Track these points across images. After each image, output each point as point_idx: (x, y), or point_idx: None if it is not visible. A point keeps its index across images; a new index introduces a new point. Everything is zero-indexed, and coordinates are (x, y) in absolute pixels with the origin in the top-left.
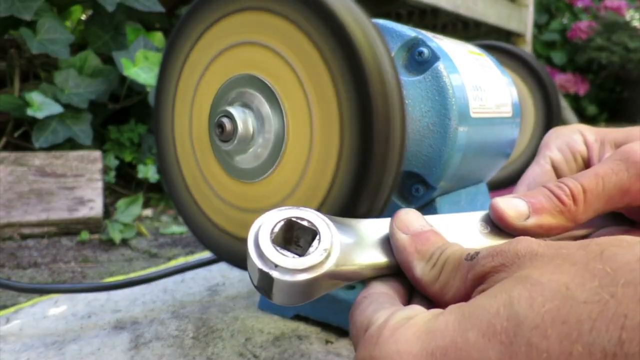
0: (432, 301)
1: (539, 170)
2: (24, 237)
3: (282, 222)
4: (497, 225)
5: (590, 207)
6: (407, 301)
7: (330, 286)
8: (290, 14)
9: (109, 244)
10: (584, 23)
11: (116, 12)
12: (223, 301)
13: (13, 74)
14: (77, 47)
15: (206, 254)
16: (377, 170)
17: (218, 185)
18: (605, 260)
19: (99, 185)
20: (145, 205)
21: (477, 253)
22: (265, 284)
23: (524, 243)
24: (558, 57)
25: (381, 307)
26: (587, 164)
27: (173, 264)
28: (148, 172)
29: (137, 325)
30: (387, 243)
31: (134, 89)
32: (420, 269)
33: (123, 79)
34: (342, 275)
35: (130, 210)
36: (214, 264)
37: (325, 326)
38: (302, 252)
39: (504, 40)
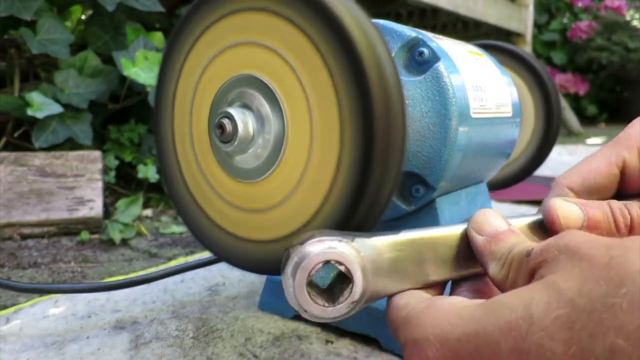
0: (474, 292)
1: (604, 169)
2: (24, 237)
3: (320, 265)
4: (547, 229)
5: None
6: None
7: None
8: (290, 14)
9: (109, 244)
10: (584, 23)
11: (116, 12)
12: (223, 301)
13: (13, 74)
14: (77, 47)
15: (206, 254)
16: (378, 170)
17: (218, 185)
18: (613, 267)
19: (99, 185)
20: (145, 205)
21: (532, 249)
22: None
23: (567, 238)
24: (558, 57)
25: (414, 298)
26: None
27: (173, 264)
28: (148, 172)
29: (137, 325)
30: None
31: (134, 89)
32: (492, 269)
33: (123, 79)
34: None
35: (130, 210)
36: (214, 264)
37: (325, 326)
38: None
39: (504, 40)
